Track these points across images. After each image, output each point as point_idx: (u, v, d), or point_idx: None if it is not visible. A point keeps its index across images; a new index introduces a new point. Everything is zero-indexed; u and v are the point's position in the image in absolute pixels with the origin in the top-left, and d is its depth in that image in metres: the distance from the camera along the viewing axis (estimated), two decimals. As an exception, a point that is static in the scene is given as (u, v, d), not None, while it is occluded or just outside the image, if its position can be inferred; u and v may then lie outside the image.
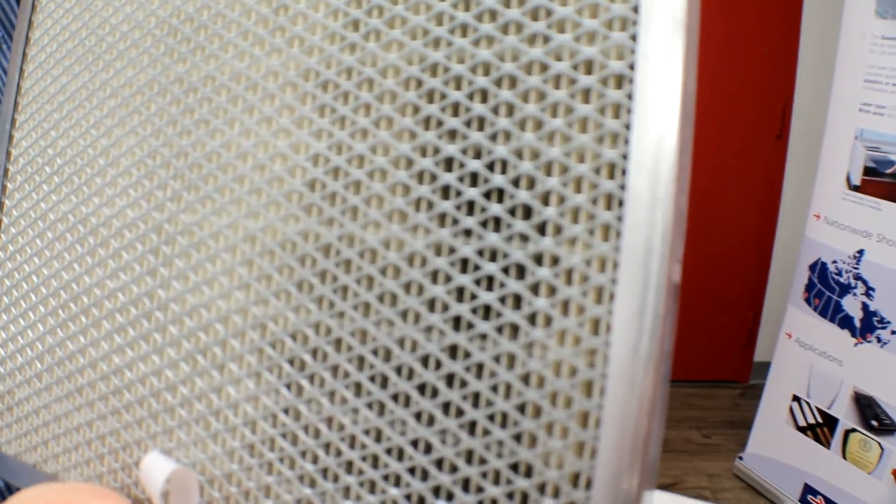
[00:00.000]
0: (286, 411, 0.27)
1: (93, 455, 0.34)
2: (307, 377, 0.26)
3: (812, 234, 1.79)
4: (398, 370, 0.24)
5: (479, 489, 0.22)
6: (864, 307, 1.66)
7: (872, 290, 1.64)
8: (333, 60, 0.26)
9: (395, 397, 0.24)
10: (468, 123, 0.22)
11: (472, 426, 0.23)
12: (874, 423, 1.65)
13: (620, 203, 0.20)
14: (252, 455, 0.28)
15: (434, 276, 0.23)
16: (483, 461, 0.22)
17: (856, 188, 1.67)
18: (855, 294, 1.68)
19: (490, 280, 0.22)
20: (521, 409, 0.22)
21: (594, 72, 0.21)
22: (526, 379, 0.21)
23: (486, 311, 0.22)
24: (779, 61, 2.39)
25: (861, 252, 1.66)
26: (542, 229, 0.21)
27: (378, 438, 0.25)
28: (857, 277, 1.67)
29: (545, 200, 0.21)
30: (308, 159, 0.27)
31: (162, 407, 0.31)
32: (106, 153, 0.34)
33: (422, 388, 0.24)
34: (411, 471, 0.24)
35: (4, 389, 0.40)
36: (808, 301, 1.84)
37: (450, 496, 0.23)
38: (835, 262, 1.73)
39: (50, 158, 0.38)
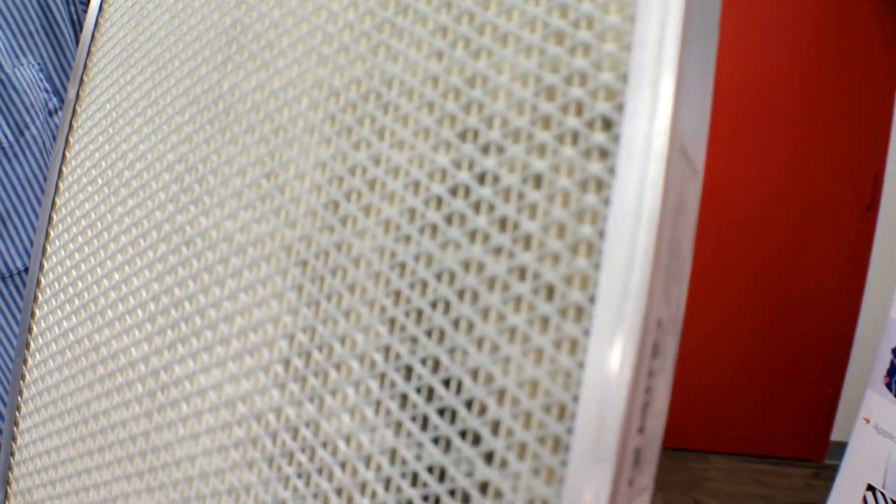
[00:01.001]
0: (307, 425, 0.27)
1: None
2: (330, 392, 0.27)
3: (897, 315, 1.71)
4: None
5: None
6: (951, 396, 1.56)
7: (962, 377, 1.55)
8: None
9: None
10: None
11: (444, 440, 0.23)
12: (958, 522, 1.54)
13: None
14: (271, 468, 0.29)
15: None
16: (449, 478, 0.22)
17: (947, 267, 1.58)
18: (942, 380, 1.59)
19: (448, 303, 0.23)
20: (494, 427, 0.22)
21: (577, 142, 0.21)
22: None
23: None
24: (870, 128, 2.31)
25: (950, 335, 1.57)
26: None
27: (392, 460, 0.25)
28: (945, 362, 1.58)
29: (526, 245, 0.22)
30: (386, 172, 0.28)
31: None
32: (160, 160, 0.36)
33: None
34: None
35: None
36: (889, 386, 1.74)
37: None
38: (921, 344, 1.64)
39: (103, 163, 0.41)
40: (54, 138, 0.62)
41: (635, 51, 0.21)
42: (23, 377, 0.45)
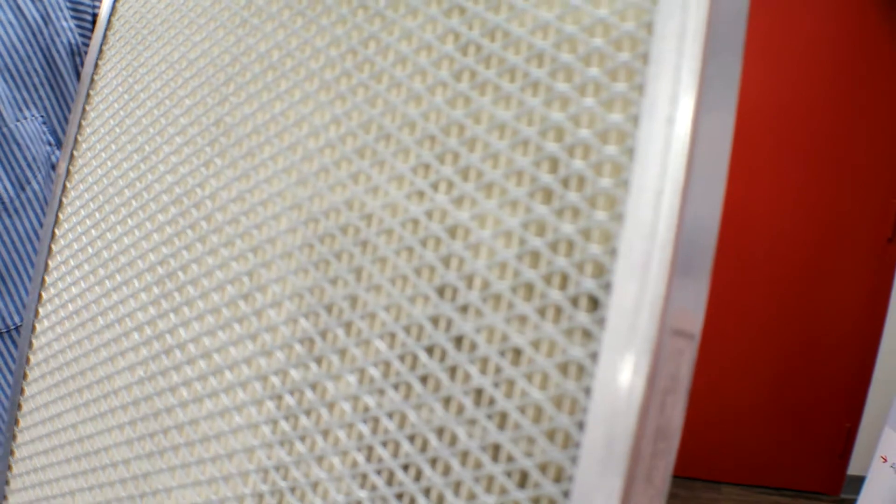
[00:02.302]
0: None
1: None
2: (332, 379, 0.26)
3: (917, 353, 1.68)
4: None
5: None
6: (972, 441, 1.53)
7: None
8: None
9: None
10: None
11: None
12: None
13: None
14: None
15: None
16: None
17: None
18: (962, 423, 1.56)
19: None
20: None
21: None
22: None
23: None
24: (893, 160, 2.28)
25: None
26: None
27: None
28: (966, 405, 1.55)
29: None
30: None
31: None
32: (143, 258, 0.35)
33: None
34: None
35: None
36: None
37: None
38: (941, 386, 1.61)
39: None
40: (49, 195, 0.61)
41: (628, 221, 0.19)
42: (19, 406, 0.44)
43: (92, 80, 0.45)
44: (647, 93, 0.20)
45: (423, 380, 0.22)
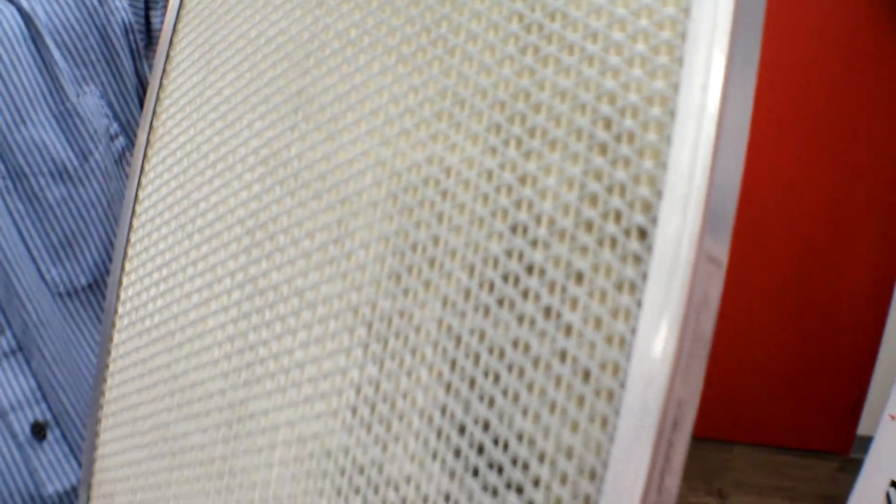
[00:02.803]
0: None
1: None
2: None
3: (926, 313, 1.72)
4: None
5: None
6: (977, 397, 1.58)
7: None
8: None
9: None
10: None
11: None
12: (981, 521, 1.56)
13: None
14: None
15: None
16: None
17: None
18: (969, 380, 1.61)
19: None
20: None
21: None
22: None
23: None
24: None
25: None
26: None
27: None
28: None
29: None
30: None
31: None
32: (232, 212, 0.40)
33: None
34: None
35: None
36: None
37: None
38: (949, 344, 1.65)
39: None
40: (115, 163, 0.67)
41: (671, 169, 0.24)
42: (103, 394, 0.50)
43: (168, 56, 0.50)
44: (685, 65, 0.25)
45: (500, 302, 0.27)
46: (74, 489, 0.62)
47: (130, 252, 0.50)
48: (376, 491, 0.32)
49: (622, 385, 0.24)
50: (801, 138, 2.38)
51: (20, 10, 0.63)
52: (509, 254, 0.27)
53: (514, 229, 0.27)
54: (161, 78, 0.50)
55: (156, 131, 0.49)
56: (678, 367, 0.23)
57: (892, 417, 1.82)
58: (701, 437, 2.76)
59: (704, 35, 0.24)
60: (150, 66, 0.68)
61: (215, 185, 0.42)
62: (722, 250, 0.26)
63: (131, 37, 0.69)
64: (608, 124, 0.26)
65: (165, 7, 0.66)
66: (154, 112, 0.50)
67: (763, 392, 2.69)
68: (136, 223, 0.50)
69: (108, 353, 0.51)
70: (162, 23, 0.66)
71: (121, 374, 0.50)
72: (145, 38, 0.72)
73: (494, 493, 0.27)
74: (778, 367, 2.64)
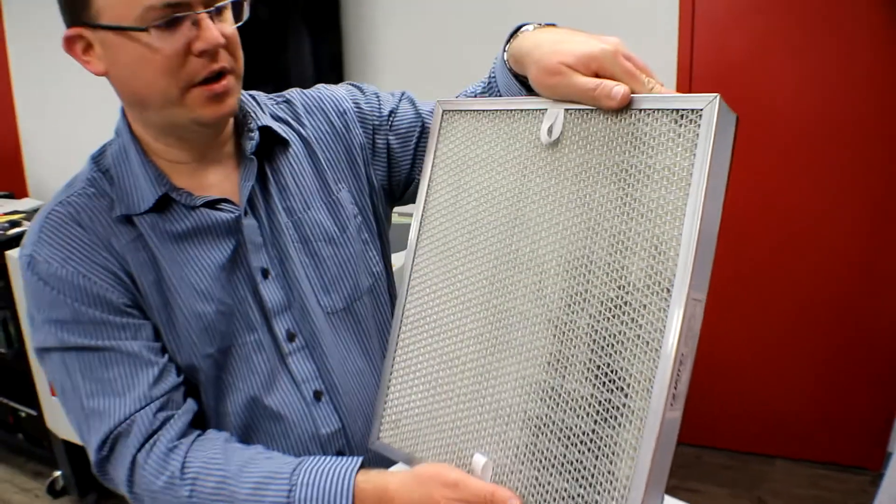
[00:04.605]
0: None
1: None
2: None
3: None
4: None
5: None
6: None
7: None
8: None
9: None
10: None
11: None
12: None
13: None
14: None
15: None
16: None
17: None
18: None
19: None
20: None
21: None
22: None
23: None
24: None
25: None
26: None
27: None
28: None
29: None
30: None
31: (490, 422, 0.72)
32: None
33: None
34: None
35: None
36: None
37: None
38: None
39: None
40: (357, 233, 0.98)
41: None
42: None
43: (430, 178, 0.85)
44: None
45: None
46: (337, 431, 0.93)
47: (414, 275, 0.84)
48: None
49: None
50: (838, 160, 2.49)
51: (300, 135, 0.96)
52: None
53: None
54: (426, 191, 0.84)
55: (425, 224, 0.84)
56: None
57: (912, 433, 2.00)
58: (745, 451, 2.90)
59: None
60: (375, 171, 1.02)
61: (469, 254, 0.78)
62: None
63: (364, 152, 1.00)
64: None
65: (387, 130, 1.01)
66: (423, 213, 0.85)
67: (802, 411, 2.83)
68: (414, 272, 0.84)
69: (396, 343, 0.84)
70: (383, 144, 1.01)
71: (403, 349, 0.84)
72: (371, 152, 1.01)
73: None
74: (818, 389, 2.78)
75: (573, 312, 0.66)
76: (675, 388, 0.60)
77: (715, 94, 0.61)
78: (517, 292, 0.72)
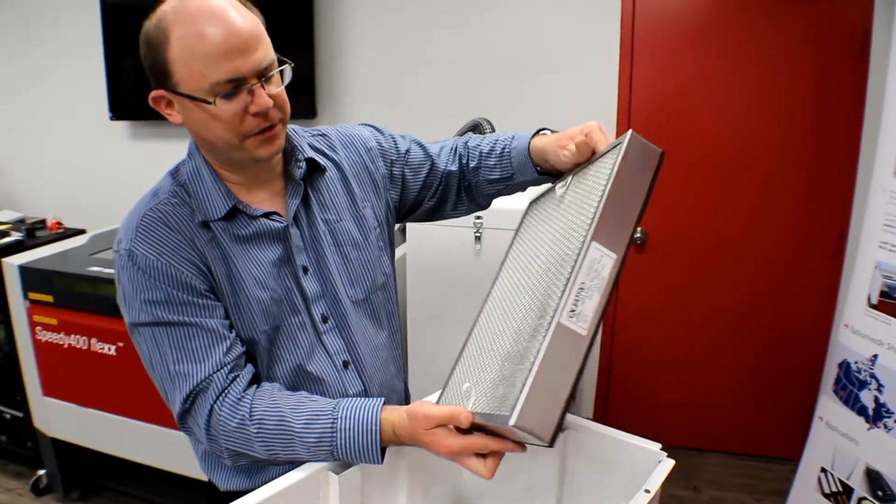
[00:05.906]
0: None
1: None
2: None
3: (842, 340, 2.11)
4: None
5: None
6: (876, 400, 1.95)
7: (883, 386, 1.94)
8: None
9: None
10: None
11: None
12: (880, 493, 1.92)
13: None
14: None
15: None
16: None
17: (874, 306, 1.99)
18: (869, 389, 1.98)
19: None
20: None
21: None
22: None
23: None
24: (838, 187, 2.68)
25: (875, 356, 1.97)
26: None
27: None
28: (872, 376, 1.97)
29: None
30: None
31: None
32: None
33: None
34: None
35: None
36: (836, 392, 2.11)
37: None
38: (856, 362, 2.04)
39: None
40: (377, 241, 1.18)
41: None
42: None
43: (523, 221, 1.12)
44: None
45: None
46: (361, 392, 1.12)
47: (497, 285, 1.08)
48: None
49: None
50: (762, 179, 2.68)
51: (335, 162, 1.18)
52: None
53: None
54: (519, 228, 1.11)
55: (512, 250, 1.09)
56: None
57: (821, 419, 2.16)
58: (678, 446, 3.06)
59: None
60: (390, 195, 1.24)
61: (509, 278, 1.02)
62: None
63: (384, 180, 1.23)
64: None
65: (403, 164, 1.24)
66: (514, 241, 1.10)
67: (731, 409, 3.00)
68: (498, 280, 1.08)
69: (470, 336, 1.06)
70: (399, 174, 1.25)
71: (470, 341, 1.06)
72: (390, 181, 1.24)
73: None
74: (744, 389, 2.95)
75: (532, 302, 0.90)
76: (575, 307, 0.74)
77: (629, 130, 0.83)
78: (516, 308, 0.96)
